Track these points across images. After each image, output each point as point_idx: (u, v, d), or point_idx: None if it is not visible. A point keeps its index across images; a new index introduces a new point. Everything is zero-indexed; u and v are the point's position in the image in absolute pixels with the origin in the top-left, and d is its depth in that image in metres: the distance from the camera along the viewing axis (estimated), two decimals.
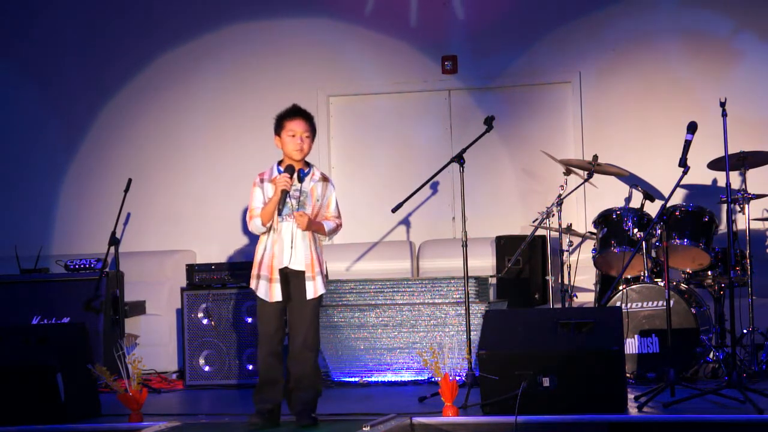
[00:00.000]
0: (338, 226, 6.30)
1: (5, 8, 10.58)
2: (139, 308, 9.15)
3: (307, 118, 6.27)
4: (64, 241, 10.27)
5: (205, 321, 8.18)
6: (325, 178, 6.29)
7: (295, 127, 6.21)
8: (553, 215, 8.16)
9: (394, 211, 7.60)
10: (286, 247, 6.15)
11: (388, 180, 9.98)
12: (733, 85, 9.36)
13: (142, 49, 10.36)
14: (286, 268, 6.16)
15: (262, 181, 6.25)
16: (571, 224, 8.34)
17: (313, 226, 6.17)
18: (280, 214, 6.13)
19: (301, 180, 6.19)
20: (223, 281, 8.23)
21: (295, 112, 6.27)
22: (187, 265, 8.42)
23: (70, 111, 10.44)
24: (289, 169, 6.16)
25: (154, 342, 9.16)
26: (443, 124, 10.02)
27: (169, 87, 10.34)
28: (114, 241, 8.28)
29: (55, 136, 10.46)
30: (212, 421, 6.54)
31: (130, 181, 8.62)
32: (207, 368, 8.14)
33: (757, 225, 8.52)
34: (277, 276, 6.15)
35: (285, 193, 6.11)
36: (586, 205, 9.59)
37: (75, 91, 10.44)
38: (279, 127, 6.26)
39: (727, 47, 9.55)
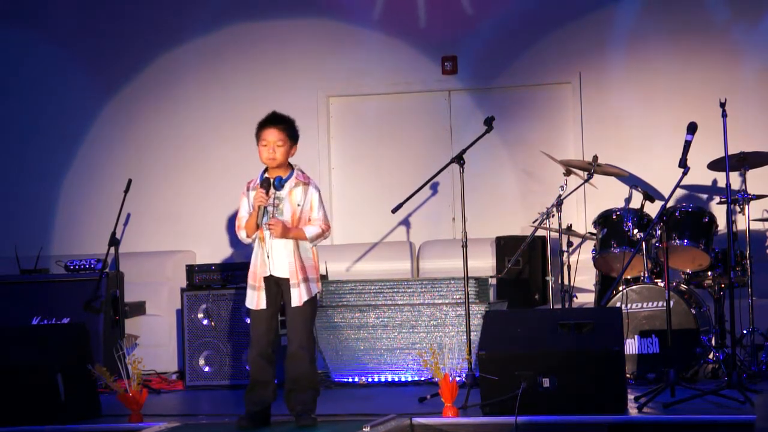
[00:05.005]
0: (323, 231, 6.15)
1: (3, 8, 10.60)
2: (139, 309, 9.15)
3: (281, 124, 6.17)
4: (64, 242, 10.26)
5: (205, 321, 8.17)
6: (306, 182, 6.18)
7: (267, 136, 6.16)
8: (553, 216, 8.16)
9: (394, 211, 7.60)
10: (265, 257, 6.13)
11: (388, 180, 9.98)
12: (732, 84, 9.36)
13: (141, 50, 10.35)
14: (271, 275, 6.14)
15: (248, 189, 6.24)
16: (571, 225, 8.33)
17: (291, 233, 6.09)
18: (260, 226, 6.12)
19: (278, 188, 6.11)
20: (223, 282, 8.22)
21: (267, 121, 6.20)
22: (187, 265, 8.41)
23: (69, 110, 10.43)
24: (264, 184, 6.10)
25: (154, 342, 9.16)
26: (443, 125, 10.02)
27: (169, 87, 10.34)
28: (114, 242, 8.28)
29: (54, 136, 10.45)
30: (212, 421, 6.54)
31: (130, 181, 8.62)
32: (207, 369, 8.14)
33: (757, 225, 8.51)
34: (261, 284, 6.15)
35: (262, 208, 6.09)
36: (586, 205, 9.58)
37: (75, 90, 10.43)
38: (256, 136, 6.23)
39: (725, 45, 9.55)
